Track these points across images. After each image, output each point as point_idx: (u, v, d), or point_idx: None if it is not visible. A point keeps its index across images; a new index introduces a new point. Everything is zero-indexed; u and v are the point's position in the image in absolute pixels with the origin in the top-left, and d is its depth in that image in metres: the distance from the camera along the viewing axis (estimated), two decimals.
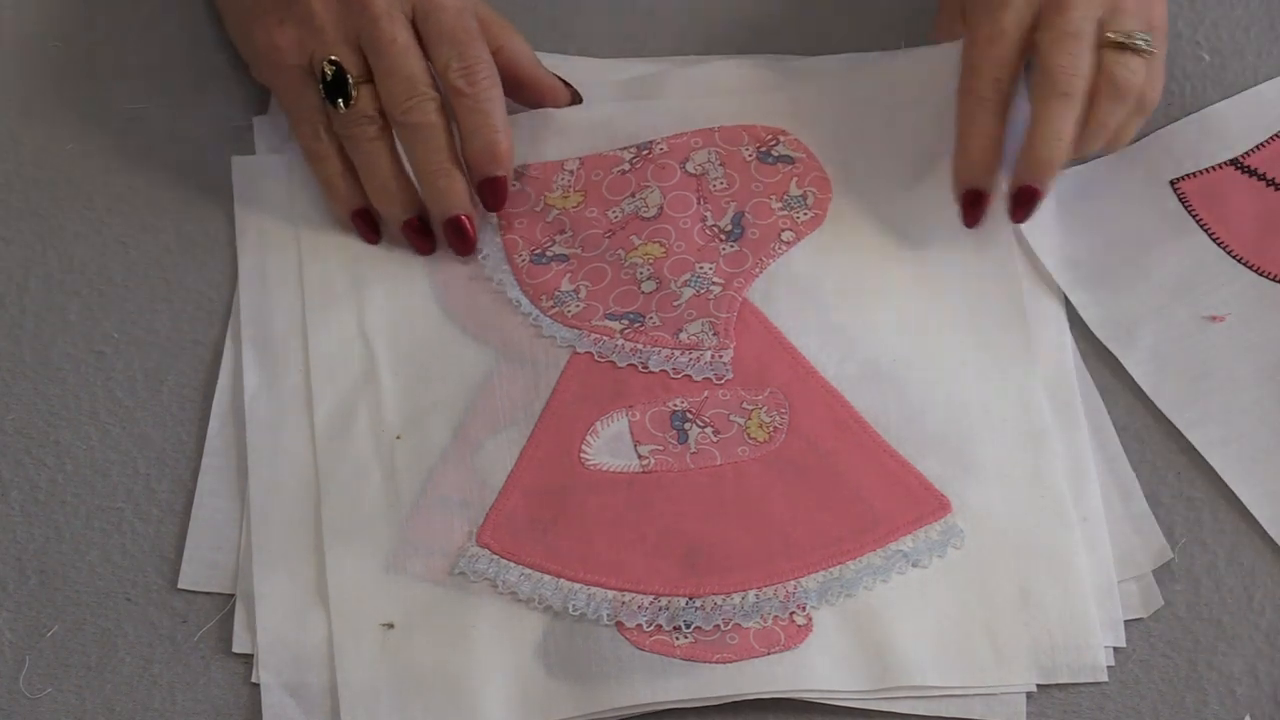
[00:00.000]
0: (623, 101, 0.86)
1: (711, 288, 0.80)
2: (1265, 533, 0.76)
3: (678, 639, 0.71)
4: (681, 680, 0.71)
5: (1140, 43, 0.78)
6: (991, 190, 0.80)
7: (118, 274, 0.83)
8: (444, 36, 0.79)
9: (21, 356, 0.80)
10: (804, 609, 0.72)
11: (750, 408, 0.77)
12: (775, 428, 0.77)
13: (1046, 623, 0.73)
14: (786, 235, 0.82)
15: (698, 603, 0.72)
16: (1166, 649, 0.74)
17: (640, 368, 0.78)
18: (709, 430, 0.76)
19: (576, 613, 0.72)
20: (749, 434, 0.76)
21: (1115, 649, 0.73)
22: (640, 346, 0.78)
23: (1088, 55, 0.78)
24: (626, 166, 0.83)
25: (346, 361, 0.79)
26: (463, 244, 0.81)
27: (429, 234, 0.82)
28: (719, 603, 0.72)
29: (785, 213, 0.83)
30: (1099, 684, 0.73)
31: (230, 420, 0.78)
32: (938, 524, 0.74)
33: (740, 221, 0.81)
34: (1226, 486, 0.77)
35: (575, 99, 0.86)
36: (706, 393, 0.78)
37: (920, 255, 0.82)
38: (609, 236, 0.81)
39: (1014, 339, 0.80)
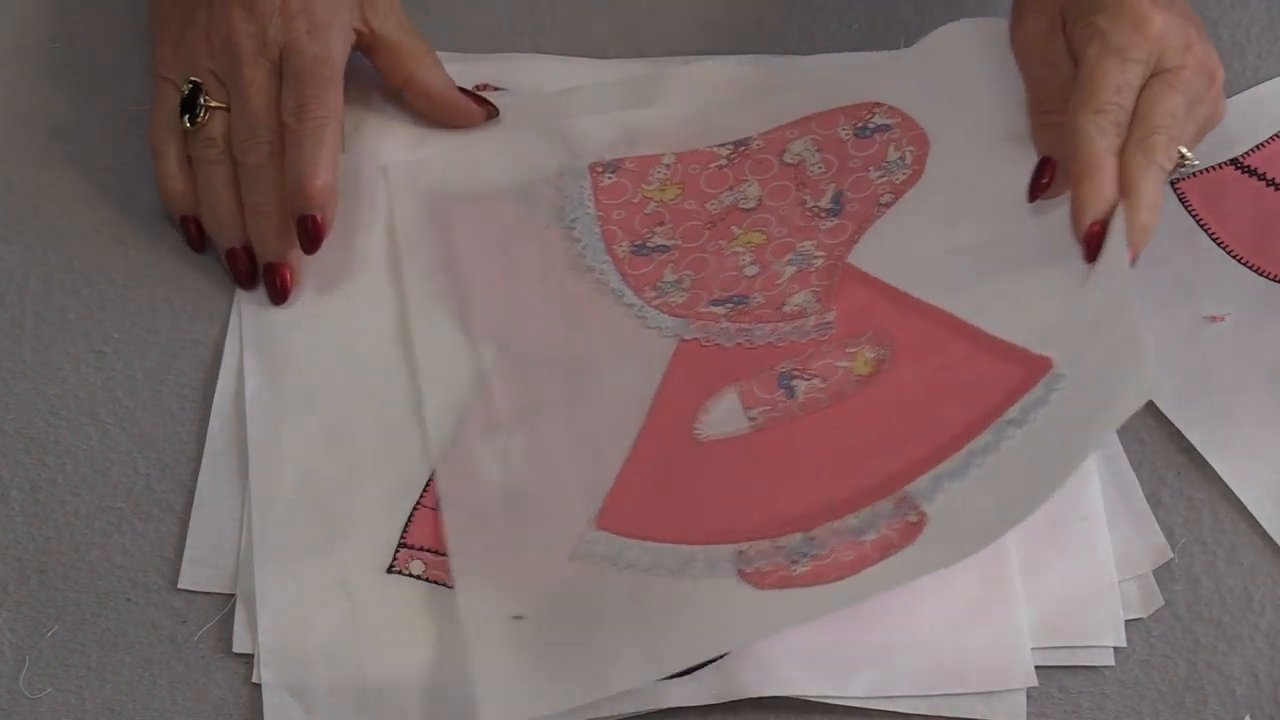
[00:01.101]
0: (711, 106, 0.87)
1: (813, 261, 0.80)
2: (1265, 533, 0.76)
3: (795, 569, 0.71)
4: (805, 605, 0.70)
5: (1184, 168, 0.79)
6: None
7: (118, 274, 0.83)
8: (291, 79, 0.81)
9: (21, 356, 0.80)
10: (917, 507, 0.71)
11: (854, 349, 0.77)
12: (880, 360, 0.76)
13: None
14: (885, 198, 0.82)
15: (813, 534, 0.71)
16: (1166, 649, 0.74)
17: (747, 345, 0.78)
18: (816, 380, 0.76)
19: (697, 573, 0.71)
20: (854, 373, 0.76)
21: (1115, 649, 0.73)
22: (745, 325, 0.78)
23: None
24: (724, 161, 0.83)
25: (454, 363, 0.79)
26: (274, 290, 0.81)
27: (247, 269, 0.82)
28: (834, 527, 0.72)
29: (884, 179, 0.82)
30: (1099, 684, 0.73)
31: (230, 420, 0.78)
32: (1039, 383, 0.73)
33: (840, 199, 0.81)
34: (1226, 486, 0.77)
35: (491, 114, 0.87)
36: (811, 350, 0.77)
37: (1003, 210, 0.81)
38: (709, 228, 0.82)
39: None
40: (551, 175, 0.84)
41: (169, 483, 0.77)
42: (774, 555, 0.71)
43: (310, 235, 0.80)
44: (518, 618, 0.71)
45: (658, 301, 0.80)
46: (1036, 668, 0.72)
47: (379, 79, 0.87)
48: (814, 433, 0.75)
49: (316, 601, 0.74)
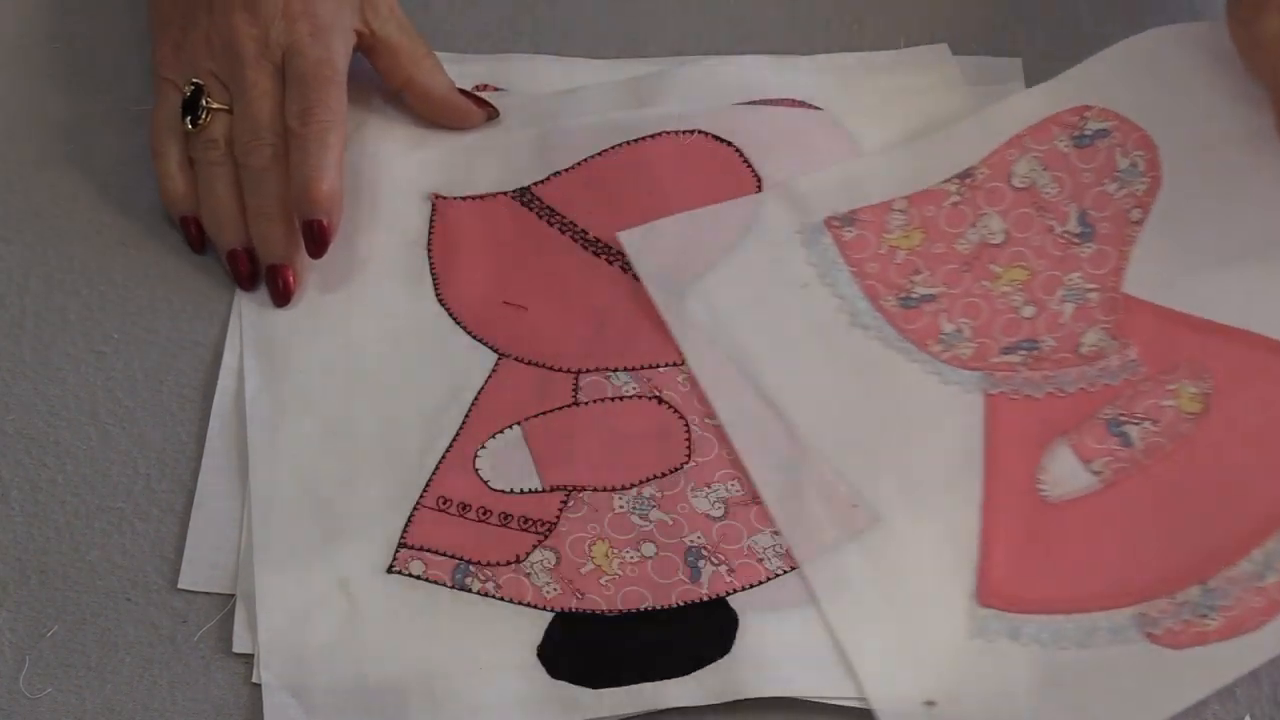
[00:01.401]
0: (921, 140, 0.85)
1: (1088, 296, 0.78)
2: None
3: (1208, 624, 0.70)
4: (1228, 659, 0.70)
5: None
6: None
7: (118, 274, 0.83)
8: (294, 82, 0.81)
9: (21, 356, 0.80)
10: None
11: (1173, 385, 0.76)
12: (1205, 393, 0.75)
13: None
14: (1134, 214, 0.80)
15: (1210, 585, 0.71)
16: None
17: (1058, 393, 0.76)
18: (1147, 423, 0.75)
19: (1103, 641, 0.71)
20: (1183, 411, 0.75)
21: None
22: (1049, 373, 0.77)
23: None
24: (956, 198, 0.81)
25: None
26: (277, 292, 0.81)
27: (247, 271, 0.82)
28: (1230, 575, 0.71)
29: (1124, 192, 0.81)
30: None
31: (230, 420, 0.79)
32: None
33: (1085, 219, 0.80)
34: None
35: (491, 115, 0.87)
36: (1128, 392, 0.76)
37: (1265, 212, 0.80)
38: (967, 270, 0.80)
39: None
40: (794, 233, 0.82)
41: (169, 483, 0.77)
42: (1179, 613, 0.71)
43: (317, 239, 0.80)
44: (930, 704, 0.71)
45: (946, 355, 0.78)
46: None
47: (379, 80, 0.87)
48: (1168, 480, 0.74)
49: (316, 601, 0.74)
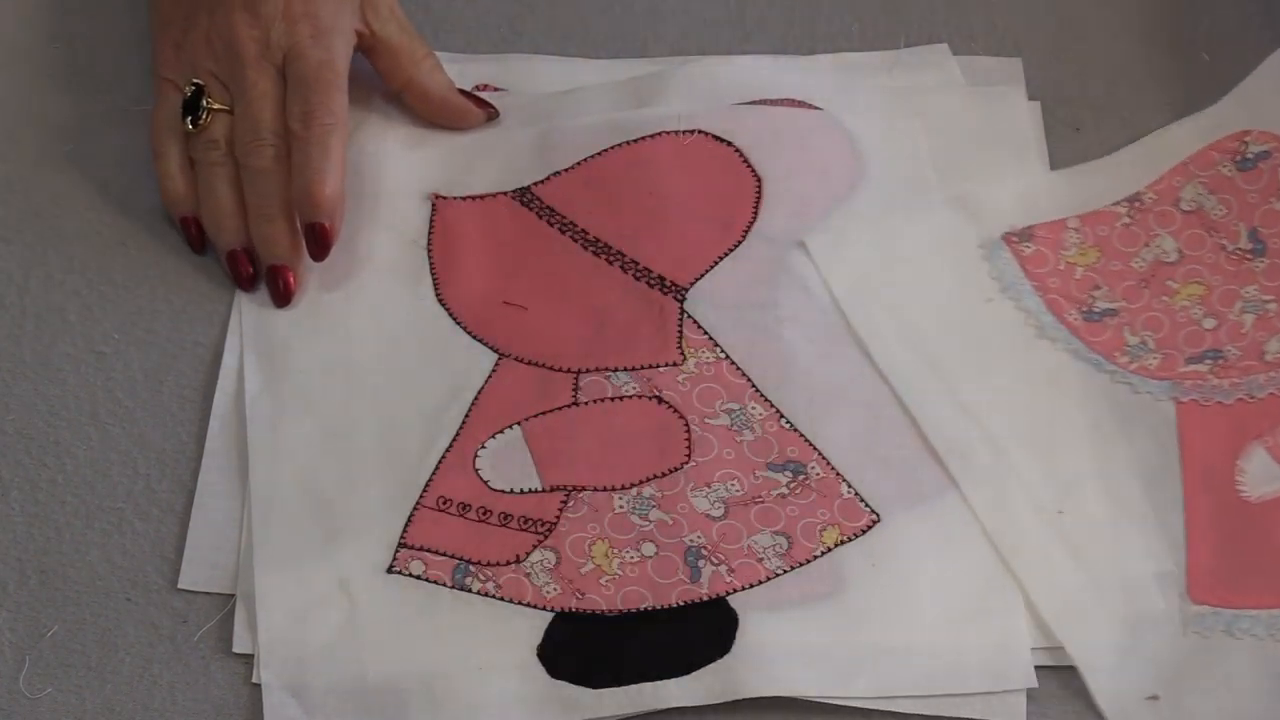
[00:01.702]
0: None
1: (1266, 307, 0.79)
2: None
3: None
4: None
5: None
6: None
7: (118, 274, 0.83)
8: (295, 84, 0.81)
9: (21, 356, 0.80)
10: None
11: None
12: None
13: None
14: None
15: None
16: None
17: (1248, 399, 0.77)
18: None
19: None
20: None
21: None
22: (1237, 380, 0.77)
23: None
24: (1127, 219, 0.82)
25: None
26: (277, 293, 0.81)
27: (248, 273, 0.82)
28: None
29: None
30: None
31: (230, 420, 0.79)
32: None
33: (1256, 236, 0.80)
34: None
35: (491, 115, 0.87)
36: None
37: None
38: (1145, 286, 0.80)
39: None
40: (975, 246, 0.83)
41: (169, 483, 0.77)
42: None
43: (320, 242, 0.80)
44: (1153, 698, 0.71)
45: (1134, 366, 0.78)
46: (1036, 668, 0.72)
47: (379, 80, 0.87)
48: None
49: (316, 601, 0.74)
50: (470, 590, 0.74)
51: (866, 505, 0.76)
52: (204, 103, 0.82)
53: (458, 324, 0.81)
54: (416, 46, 0.86)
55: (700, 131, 0.86)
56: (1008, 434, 0.77)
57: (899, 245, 0.83)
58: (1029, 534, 0.75)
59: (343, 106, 0.81)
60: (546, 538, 0.75)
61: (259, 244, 0.82)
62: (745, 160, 0.85)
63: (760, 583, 0.74)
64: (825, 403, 0.79)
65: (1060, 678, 0.73)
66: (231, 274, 0.82)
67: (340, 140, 0.81)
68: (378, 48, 0.85)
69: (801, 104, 0.87)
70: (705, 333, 0.80)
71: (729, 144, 0.85)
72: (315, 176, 0.80)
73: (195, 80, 0.82)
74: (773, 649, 0.72)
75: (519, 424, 0.78)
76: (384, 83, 0.86)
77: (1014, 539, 0.75)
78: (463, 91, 0.87)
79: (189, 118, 0.82)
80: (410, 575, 0.74)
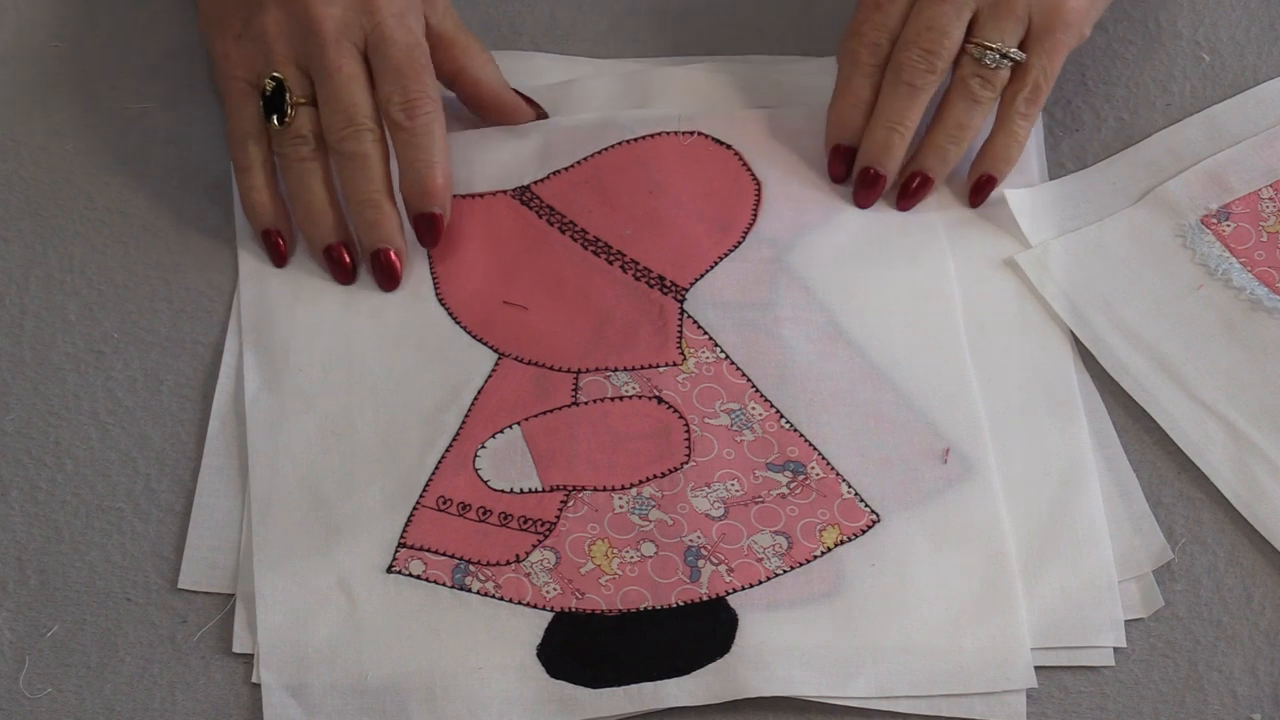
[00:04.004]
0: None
1: None
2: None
3: None
4: None
5: (993, 61, 0.82)
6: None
7: (118, 274, 0.83)
8: (390, 70, 0.79)
9: (21, 356, 0.80)
10: None
11: None
12: None
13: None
14: None
15: None
16: (1166, 649, 0.74)
17: None
18: None
19: None
20: None
21: (1115, 649, 0.73)
22: None
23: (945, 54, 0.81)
24: None
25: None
26: (386, 278, 0.81)
27: (349, 264, 0.81)
28: None
29: None
30: (1099, 684, 0.73)
31: (230, 420, 0.79)
32: None
33: None
34: None
35: (541, 115, 0.87)
36: None
37: None
38: None
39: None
40: (1173, 237, 0.83)
41: (169, 483, 0.77)
42: None
43: (434, 231, 0.80)
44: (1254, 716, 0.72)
45: None
46: (1036, 668, 0.72)
47: None
48: None
49: (316, 601, 0.74)
50: (470, 590, 0.74)
51: (866, 505, 0.76)
52: (287, 97, 0.80)
53: (458, 324, 0.81)
54: (471, 41, 0.85)
55: (700, 133, 0.86)
56: (1244, 417, 0.78)
57: (1103, 252, 0.83)
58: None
59: (438, 91, 0.80)
60: (546, 538, 0.75)
61: (364, 231, 0.81)
62: (745, 164, 0.85)
63: (760, 583, 0.74)
64: (825, 403, 0.79)
65: (1060, 678, 0.73)
66: (330, 268, 0.81)
67: (442, 126, 0.80)
68: (433, 40, 0.83)
69: (800, 106, 0.87)
70: (705, 333, 0.80)
71: (729, 147, 0.85)
72: (427, 169, 0.79)
73: (274, 74, 0.80)
74: (772, 649, 0.72)
75: (519, 424, 0.78)
76: (436, 74, 0.83)
77: (1271, 522, 0.75)
78: (516, 91, 0.86)
79: (274, 115, 0.80)
80: (410, 575, 0.74)
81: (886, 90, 0.82)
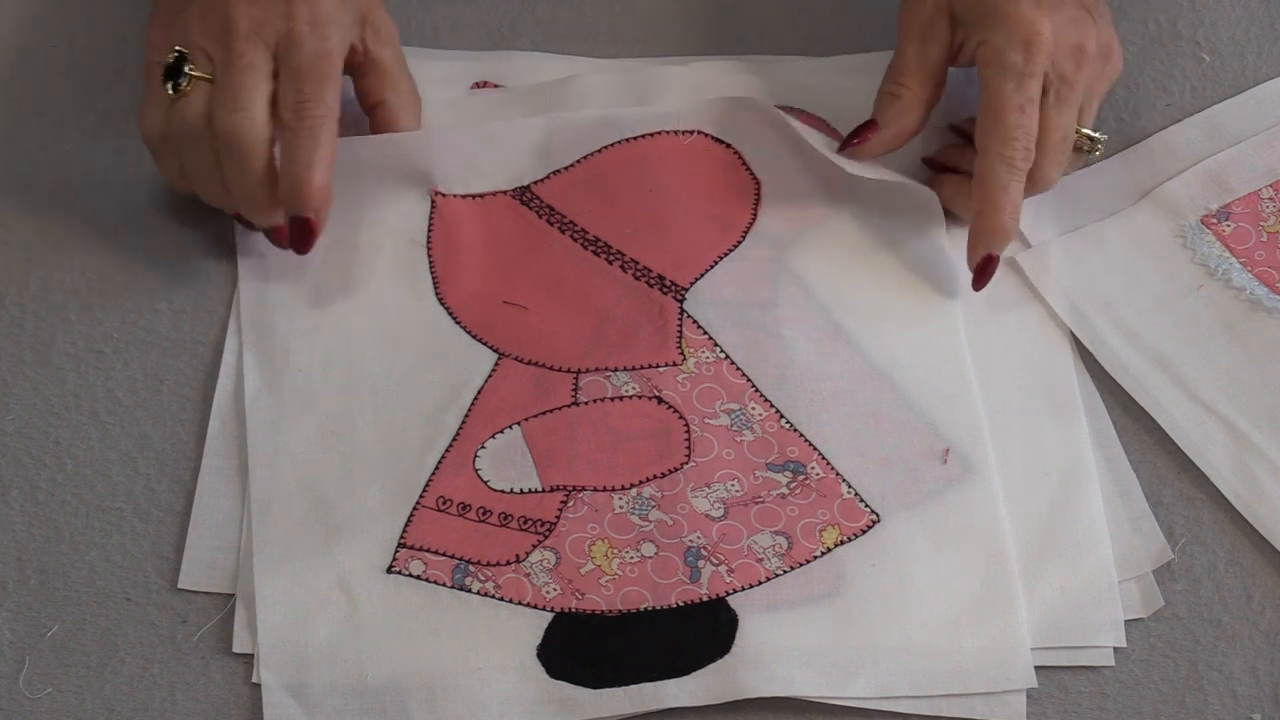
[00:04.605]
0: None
1: None
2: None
3: None
4: None
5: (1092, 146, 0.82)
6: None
7: (118, 274, 0.83)
8: (290, 71, 0.78)
9: (21, 356, 0.80)
10: None
11: None
12: None
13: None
14: None
15: None
16: (1166, 649, 0.74)
17: None
18: None
19: None
20: None
21: (1115, 649, 0.73)
22: None
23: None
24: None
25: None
26: (297, 243, 0.79)
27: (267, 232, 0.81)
28: None
29: None
30: (1099, 684, 0.73)
31: (230, 420, 0.79)
32: None
33: None
34: None
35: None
36: None
37: None
38: None
39: None
40: (1173, 237, 0.84)
41: (169, 483, 0.77)
42: None
43: (305, 236, 0.78)
44: None
45: None
46: (1036, 668, 0.72)
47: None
48: None
49: (316, 601, 0.74)
50: (470, 590, 0.74)
51: (866, 505, 0.76)
52: (185, 69, 0.79)
53: (458, 324, 0.81)
54: (403, 80, 0.84)
55: (700, 132, 0.86)
56: (1244, 417, 0.78)
57: (1103, 252, 0.83)
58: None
59: (335, 99, 0.79)
60: (546, 538, 0.75)
61: (248, 217, 0.80)
62: (744, 163, 0.85)
63: (760, 583, 0.74)
64: (825, 403, 0.79)
65: (1060, 678, 0.73)
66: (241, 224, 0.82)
67: (330, 133, 0.78)
68: (366, 66, 0.83)
69: (802, 111, 0.87)
70: (705, 332, 0.80)
71: (729, 146, 0.85)
72: (303, 171, 0.77)
73: (179, 48, 0.79)
74: (772, 649, 0.72)
75: (519, 424, 0.78)
76: (359, 102, 0.84)
77: (1271, 522, 0.76)
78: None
79: (169, 83, 0.79)
80: (410, 575, 0.75)
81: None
